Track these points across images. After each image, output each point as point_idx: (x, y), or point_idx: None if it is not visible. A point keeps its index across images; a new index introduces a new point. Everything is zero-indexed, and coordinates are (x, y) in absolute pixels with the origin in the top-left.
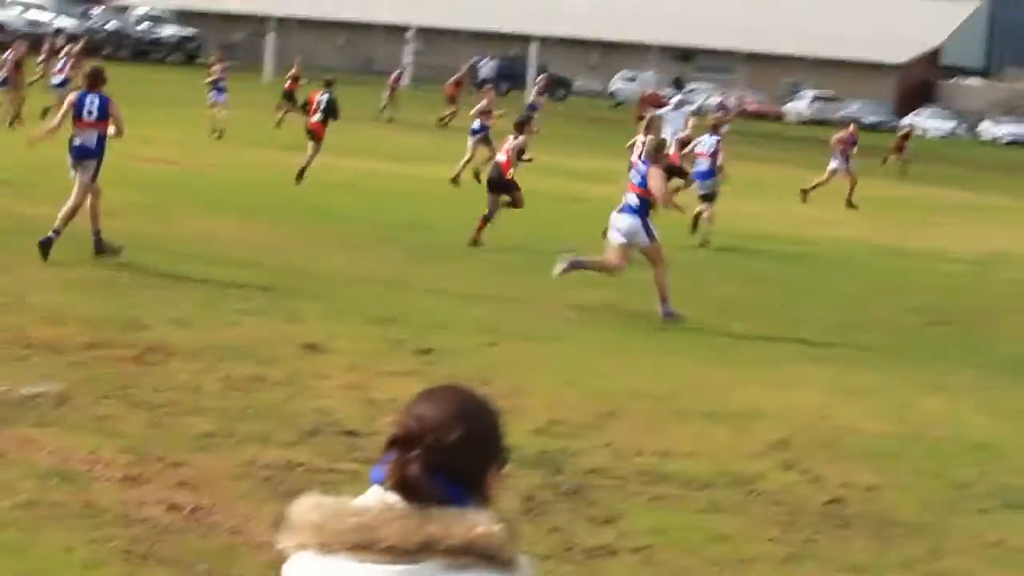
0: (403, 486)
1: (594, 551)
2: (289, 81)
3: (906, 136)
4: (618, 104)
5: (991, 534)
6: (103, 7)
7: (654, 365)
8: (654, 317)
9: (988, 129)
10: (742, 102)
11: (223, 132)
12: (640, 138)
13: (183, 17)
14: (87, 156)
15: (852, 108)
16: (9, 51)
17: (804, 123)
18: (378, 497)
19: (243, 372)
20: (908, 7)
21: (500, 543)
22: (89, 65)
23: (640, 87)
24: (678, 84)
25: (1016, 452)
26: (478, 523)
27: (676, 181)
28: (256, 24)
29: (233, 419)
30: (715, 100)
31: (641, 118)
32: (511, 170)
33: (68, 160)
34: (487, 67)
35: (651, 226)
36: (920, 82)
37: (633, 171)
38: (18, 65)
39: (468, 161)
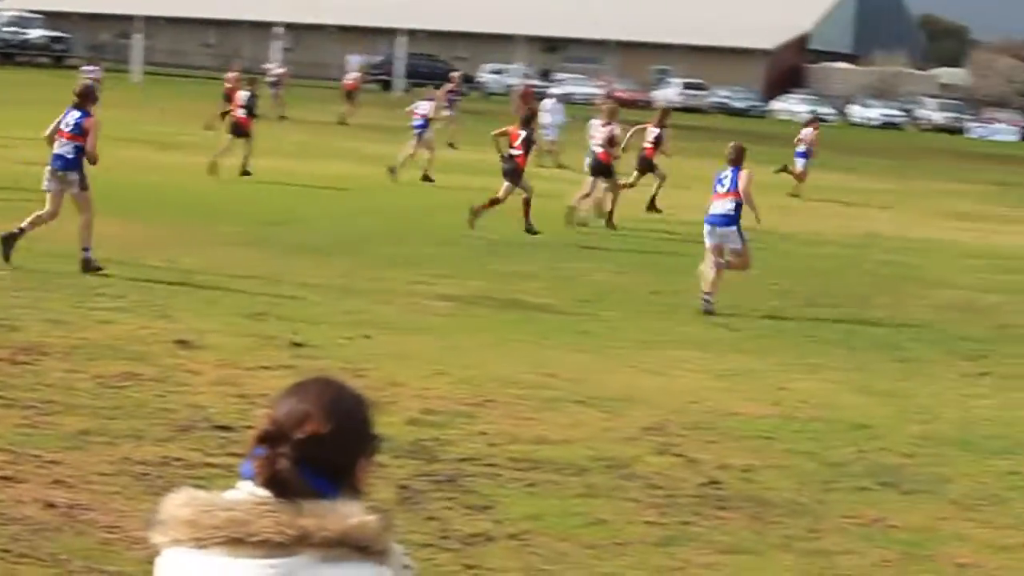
0: (273, 482)
1: (471, 538)
2: (229, 85)
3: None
4: (489, 95)
5: (868, 512)
6: None
7: (527, 354)
8: (528, 306)
9: (859, 112)
10: (610, 90)
11: None
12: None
13: (50, 19)
14: (67, 168)
15: (721, 94)
16: None
17: (675, 110)
18: (249, 491)
19: (116, 370)
20: None
21: (374, 534)
22: None
23: (508, 79)
24: (545, 75)
25: (891, 431)
26: (351, 515)
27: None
28: (124, 24)
29: (107, 417)
30: (584, 90)
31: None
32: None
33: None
34: (355, 62)
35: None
36: (789, 67)
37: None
38: None
39: (411, 156)
